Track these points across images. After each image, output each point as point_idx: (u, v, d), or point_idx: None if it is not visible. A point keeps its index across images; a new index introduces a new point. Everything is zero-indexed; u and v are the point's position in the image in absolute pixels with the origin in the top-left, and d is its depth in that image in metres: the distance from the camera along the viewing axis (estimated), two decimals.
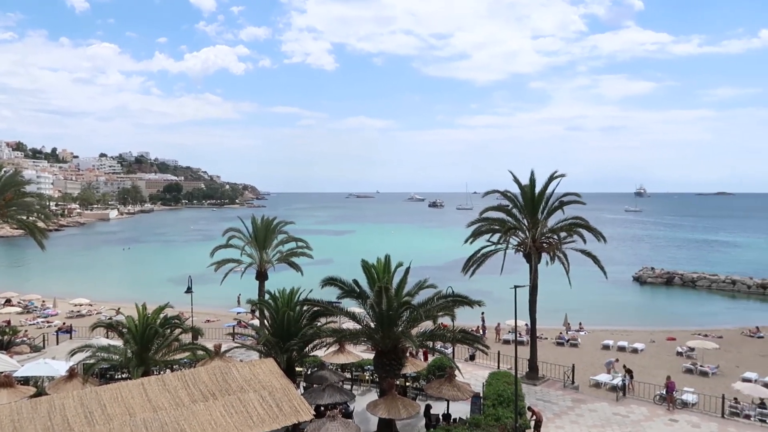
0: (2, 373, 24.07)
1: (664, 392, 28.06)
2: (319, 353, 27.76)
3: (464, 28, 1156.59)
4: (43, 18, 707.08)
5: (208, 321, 49.38)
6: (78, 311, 54.33)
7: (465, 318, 28.64)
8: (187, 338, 28.50)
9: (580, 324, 48.56)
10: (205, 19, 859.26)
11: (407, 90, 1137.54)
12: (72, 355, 23.68)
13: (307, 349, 24.55)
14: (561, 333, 45.13)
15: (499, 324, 44.59)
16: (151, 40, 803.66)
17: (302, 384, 26.95)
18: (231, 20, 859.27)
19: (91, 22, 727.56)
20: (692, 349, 39.08)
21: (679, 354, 39.50)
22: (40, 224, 41.79)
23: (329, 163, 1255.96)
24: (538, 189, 31.14)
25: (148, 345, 23.10)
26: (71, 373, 23.09)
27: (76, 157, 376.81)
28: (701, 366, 35.70)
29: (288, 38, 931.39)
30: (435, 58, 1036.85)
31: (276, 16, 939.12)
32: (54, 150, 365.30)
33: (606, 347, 41.60)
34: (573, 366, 31.73)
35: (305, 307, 24.52)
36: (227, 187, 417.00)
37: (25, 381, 26.38)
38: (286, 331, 23.82)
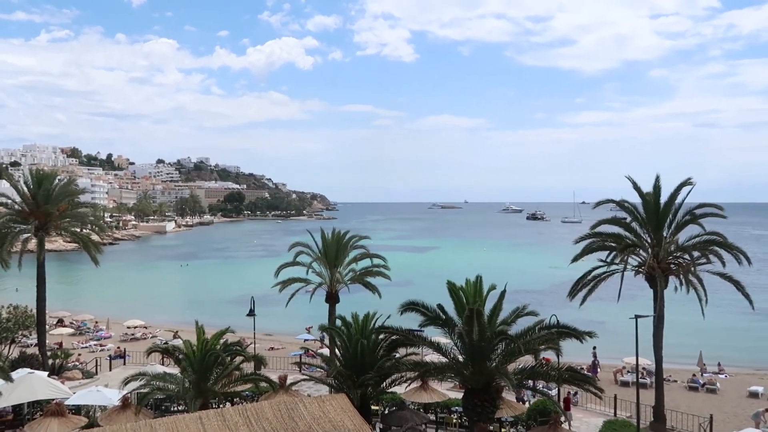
0: (54, 400, 25.69)
1: None
2: (399, 390, 27.71)
3: (566, 9, 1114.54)
4: (99, 14, 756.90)
5: (272, 348, 50.75)
6: (132, 334, 57.36)
7: (572, 353, 27.85)
8: (248, 367, 29.31)
9: (720, 365, 45.90)
10: (269, 8, 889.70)
11: (499, 83, 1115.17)
12: (125, 384, 24.91)
13: (384, 384, 24.58)
14: (694, 375, 42.89)
15: (624, 367, 42.88)
16: (211, 33, 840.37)
17: (378, 425, 27.01)
18: (297, 9, 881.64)
19: (148, 15, 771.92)
20: None
21: None
22: (95, 237, 44.51)
23: (409, 169, 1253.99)
24: (663, 198, 29.96)
25: (207, 374, 23.91)
26: (124, 403, 24.29)
27: (132, 163, 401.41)
28: None
29: (361, 27, 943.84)
30: (532, 45, 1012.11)
31: (347, 3, 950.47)
32: (109, 156, 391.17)
33: (754, 395, 39.06)
34: (711, 417, 29.97)
35: (382, 336, 24.60)
36: (294, 196, 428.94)
37: (77, 410, 28.04)
38: (360, 363, 23.97)
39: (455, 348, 23.35)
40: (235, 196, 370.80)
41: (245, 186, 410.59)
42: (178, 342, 37.61)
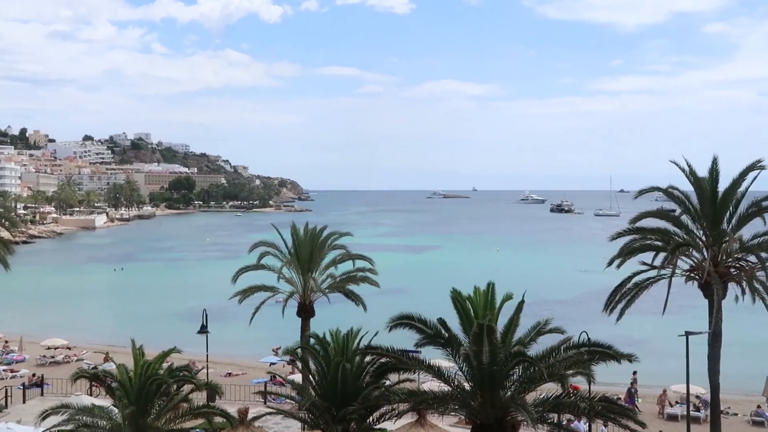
0: None
1: None
2: (389, 426, 27.77)
3: None
4: None
5: (230, 374, 50.76)
6: (52, 357, 57.06)
7: (603, 379, 27.96)
8: (200, 398, 29.27)
9: None
10: None
11: (516, 41, 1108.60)
12: (43, 419, 24.77)
13: (371, 419, 24.61)
14: (759, 406, 43.32)
15: (665, 391, 43.21)
16: None
17: None
18: None
19: None
20: None
21: None
22: (4, 234, 44.27)
23: (402, 148, 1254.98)
24: (723, 186, 30.03)
25: (148, 407, 23.83)
26: None
27: (53, 141, 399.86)
28: None
29: None
30: None
31: None
32: (23, 132, 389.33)
33: None
34: None
35: (368, 358, 24.62)
36: (257, 182, 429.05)
37: None
38: (340, 392, 23.99)
39: (460, 373, 23.39)
40: (183, 182, 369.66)
41: (196, 170, 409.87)
42: (111, 366, 37.58)
